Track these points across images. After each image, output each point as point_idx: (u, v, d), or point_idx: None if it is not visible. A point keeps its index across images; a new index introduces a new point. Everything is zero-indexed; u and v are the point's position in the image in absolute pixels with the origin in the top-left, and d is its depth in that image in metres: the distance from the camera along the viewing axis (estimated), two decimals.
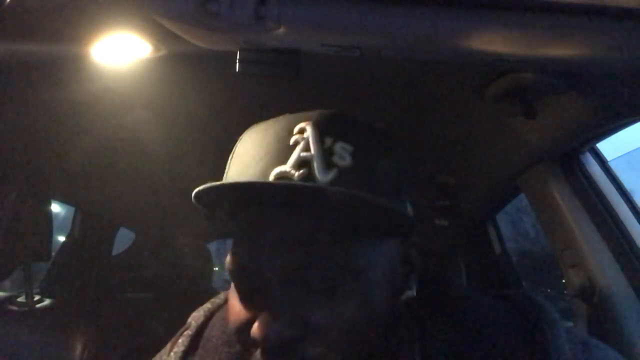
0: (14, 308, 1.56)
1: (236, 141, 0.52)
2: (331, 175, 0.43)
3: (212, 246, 3.04)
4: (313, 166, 0.43)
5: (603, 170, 1.09)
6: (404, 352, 0.50)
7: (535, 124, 1.01)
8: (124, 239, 2.43)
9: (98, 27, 0.75)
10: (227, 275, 0.48)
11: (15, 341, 1.44)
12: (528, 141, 1.08)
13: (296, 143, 0.45)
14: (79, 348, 1.70)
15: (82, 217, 1.98)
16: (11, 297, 1.62)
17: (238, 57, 0.66)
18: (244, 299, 0.46)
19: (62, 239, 2.04)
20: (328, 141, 0.45)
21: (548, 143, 1.04)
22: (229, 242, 0.48)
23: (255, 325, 0.43)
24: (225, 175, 0.50)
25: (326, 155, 0.44)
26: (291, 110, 0.51)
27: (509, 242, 1.90)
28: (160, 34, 0.73)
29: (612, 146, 1.15)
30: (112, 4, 0.68)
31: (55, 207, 1.87)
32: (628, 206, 1.05)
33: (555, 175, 1.10)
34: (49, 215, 1.55)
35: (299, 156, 0.44)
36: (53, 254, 1.78)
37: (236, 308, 0.46)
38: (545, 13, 0.59)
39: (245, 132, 0.51)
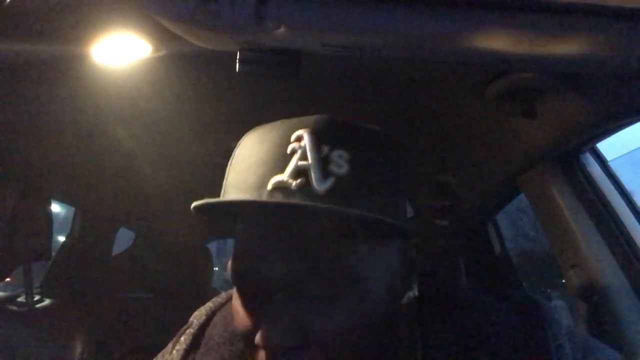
0: (14, 308, 1.57)
1: (236, 141, 0.52)
2: (328, 184, 0.43)
3: (212, 246, 3.04)
4: (310, 175, 0.43)
5: (603, 170, 1.09)
6: (405, 353, 0.50)
7: (535, 124, 1.01)
8: (124, 239, 2.44)
9: (98, 27, 0.75)
10: (227, 275, 0.48)
11: (15, 341, 1.44)
12: (528, 141, 1.08)
13: (293, 151, 0.45)
14: (79, 348, 1.71)
15: (82, 217, 1.98)
16: (11, 297, 1.62)
17: (238, 57, 0.66)
18: (246, 304, 0.47)
19: (62, 239, 2.04)
20: (325, 149, 0.44)
21: (548, 143, 1.04)
22: (229, 242, 0.49)
23: (259, 332, 0.43)
24: (225, 180, 0.50)
25: (323, 163, 0.44)
26: (291, 110, 0.51)
27: (509, 242, 1.90)
28: (160, 34, 0.73)
29: (612, 146, 1.15)
30: (112, 4, 0.68)
31: (55, 207, 1.87)
32: (628, 206, 1.05)
33: (555, 175, 1.10)
34: (49, 215, 1.55)
35: (296, 165, 0.44)
36: (53, 254, 1.78)
37: (240, 312, 0.47)
38: (545, 13, 0.59)
39: (244, 137, 0.51)
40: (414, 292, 0.51)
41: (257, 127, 0.51)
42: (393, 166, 0.48)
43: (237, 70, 0.66)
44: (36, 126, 1.22)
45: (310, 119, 0.47)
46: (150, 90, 1.07)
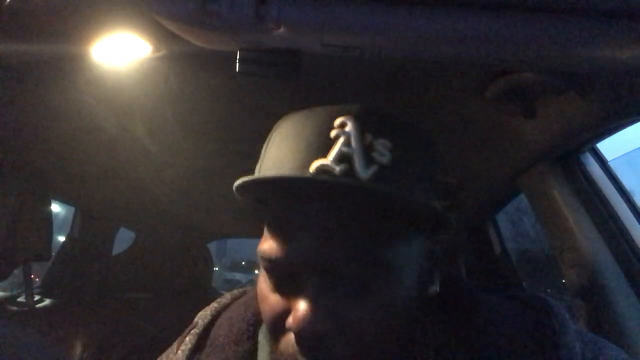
0: (14, 308, 1.57)
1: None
2: (371, 171, 0.43)
3: (212, 246, 3.04)
4: (354, 161, 0.44)
5: (603, 170, 1.09)
6: (419, 348, 0.51)
7: (535, 124, 1.01)
8: (124, 239, 2.44)
9: (98, 27, 0.75)
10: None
11: (15, 341, 1.44)
12: (528, 141, 1.08)
13: (337, 137, 0.45)
14: (79, 348, 1.70)
15: (82, 217, 1.98)
16: (11, 297, 1.62)
17: (238, 57, 0.66)
18: (278, 288, 0.47)
19: (62, 239, 2.04)
20: (368, 137, 0.45)
21: (548, 143, 1.04)
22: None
23: (292, 316, 0.44)
24: (259, 163, 0.50)
25: (367, 151, 0.44)
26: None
27: (509, 242, 1.90)
28: (160, 34, 0.73)
29: (612, 146, 1.15)
30: (112, 4, 0.68)
31: (55, 207, 1.87)
32: (628, 206, 1.05)
33: (555, 175, 1.10)
34: (49, 215, 1.55)
35: (340, 150, 0.44)
36: (53, 254, 1.78)
37: (269, 297, 0.47)
38: (545, 13, 0.59)
39: (281, 120, 0.51)
40: (435, 288, 0.51)
41: (294, 112, 0.51)
42: (429, 158, 0.49)
43: (237, 70, 0.66)
44: (36, 126, 1.22)
45: (353, 106, 0.48)
46: (150, 90, 1.07)
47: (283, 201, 0.47)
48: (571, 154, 1.09)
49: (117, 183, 1.71)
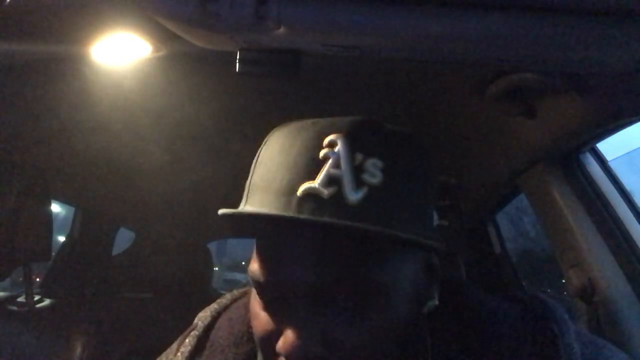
0: (14, 308, 1.57)
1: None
2: (361, 194, 0.42)
3: (212, 246, 3.04)
4: (343, 184, 0.42)
5: (603, 170, 1.09)
6: (415, 356, 0.50)
7: (535, 124, 1.01)
8: (124, 239, 2.44)
9: (98, 27, 0.75)
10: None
11: (15, 341, 1.44)
12: (528, 141, 1.08)
13: (326, 157, 0.43)
14: (79, 348, 1.71)
15: (82, 217, 1.98)
16: (11, 297, 1.62)
17: (238, 57, 0.66)
18: (268, 309, 0.46)
19: (62, 239, 2.04)
20: (359, 157, 0.43)
21: (548, 143, 1.04)
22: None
23: (282, 340, 0.43)
24: (249, 180, 0.49)
25: (357, 172, 0.43)
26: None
27: (509, 242, 1.90)
28: (160, 34, 0.73)
29: (612, 146, 1.15)
30: (112, 4, 0.68)
31: (55, 207, 1.87)
32: (628, 206, 1.05)
33: (555, 175, 1.09)
34: (49, 215, 1.55)
35: (328, 173, 0.43)
36: (53, 254, 1.78)
37: (261, 317, 0.46)
38: (545, 13, 0.59)
39: (271, 134, 0.50)
40: (434, 301, 0.50)
41: (286, 125, 0.50)
42: (424, 173, 0.47)
43: (237, 70, 0.66)
44: (36, 126, 1.23)
45: (344, 121, 0.46)
46: (150, 90, 1.07)
47: (269, 228, 0.46)
48: (571, 154, 1.09)
49: (117, 183, 1.71)
